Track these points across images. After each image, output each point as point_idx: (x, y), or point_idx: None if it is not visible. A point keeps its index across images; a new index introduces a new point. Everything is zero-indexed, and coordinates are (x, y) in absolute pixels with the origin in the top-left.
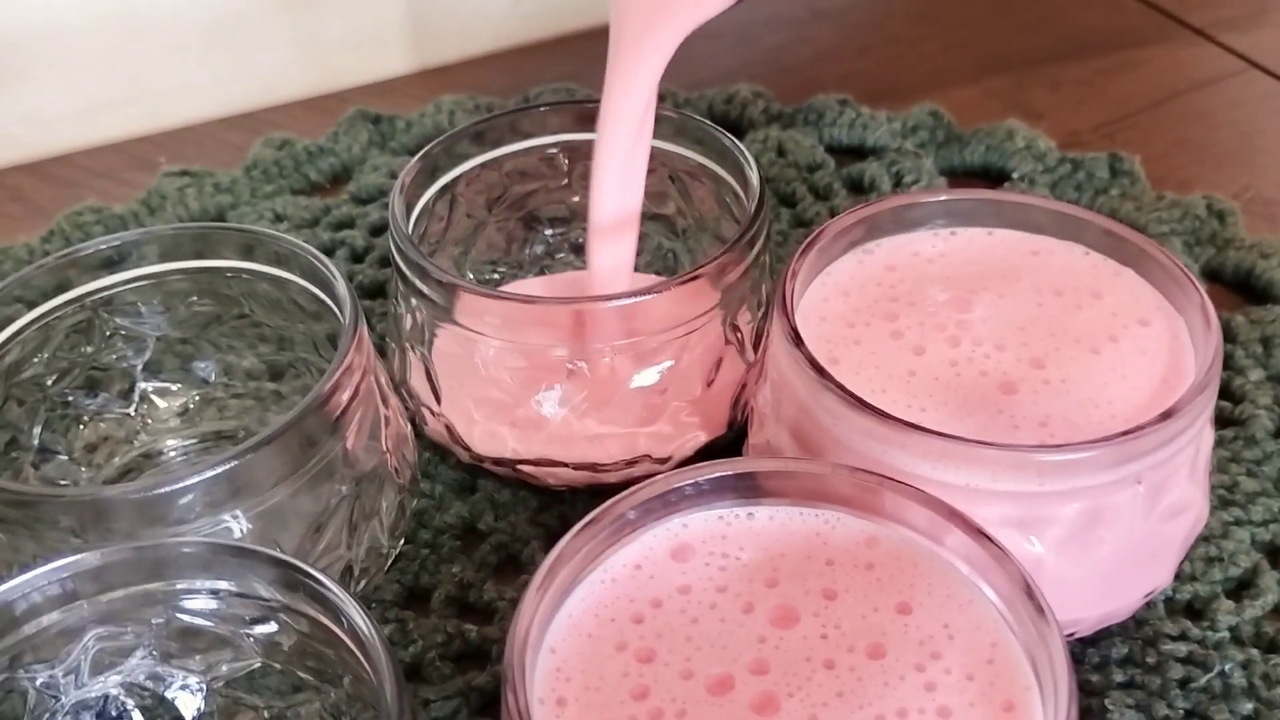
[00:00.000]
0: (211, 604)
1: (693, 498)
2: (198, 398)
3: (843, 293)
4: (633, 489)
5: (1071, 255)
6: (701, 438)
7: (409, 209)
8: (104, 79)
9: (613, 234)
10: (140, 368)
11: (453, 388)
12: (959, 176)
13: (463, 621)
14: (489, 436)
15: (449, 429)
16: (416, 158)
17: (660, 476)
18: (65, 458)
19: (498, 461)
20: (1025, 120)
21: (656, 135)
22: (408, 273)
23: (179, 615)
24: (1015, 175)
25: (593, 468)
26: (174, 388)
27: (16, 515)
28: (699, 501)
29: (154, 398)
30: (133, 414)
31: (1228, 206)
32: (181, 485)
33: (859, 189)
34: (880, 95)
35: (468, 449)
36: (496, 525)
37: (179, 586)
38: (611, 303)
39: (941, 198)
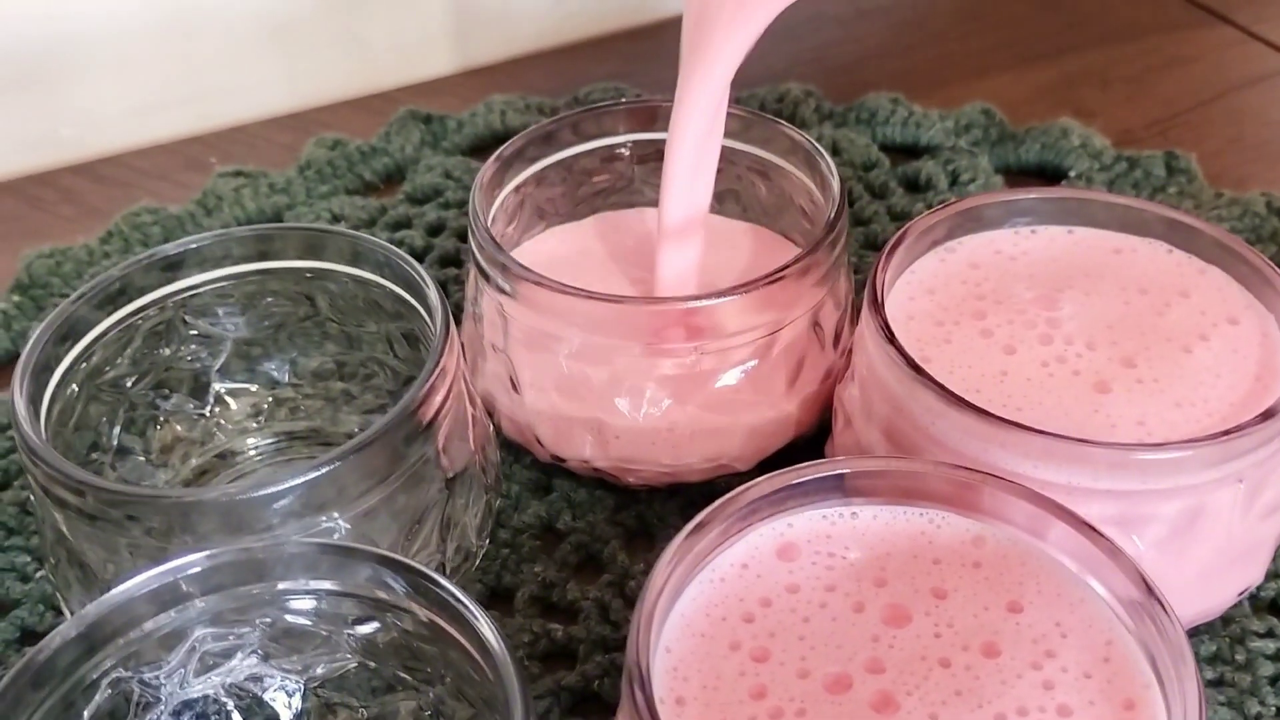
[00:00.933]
0: (315, 604)
1: (797, 498)
2: (270, 398)
3: (928, 291)
4: (739, 490)
5: (1154, 253)
6: (783, 437)
7: (488, 205)
8: (153, 80)
9: (683, 231)
10: (215, 369)
11: (532, 387)
12: (1014, 175)
13: (548, 621)
14: (569, 436)
15: (528, 428)
16: (493, 157)
17: (764, 478)
18: (142, 458)
19: (582, 461)
20: (1077, 118)
21: (725, 133)
22: (490, 270)
23: (284, 615)
24: (1072, 174)
25: (674, 467)
26: (250, 388)
27: (115, 515)
28: (804, 501)
29: (228, 399)
30: (207, 415)
31: None
32: (284, 487)
33: (915, 188)
34: (929, 93)
35: (547, 449)
36: (575, 525)
37: (286, 586)
38: (696, 303)
39: (1023, 196)
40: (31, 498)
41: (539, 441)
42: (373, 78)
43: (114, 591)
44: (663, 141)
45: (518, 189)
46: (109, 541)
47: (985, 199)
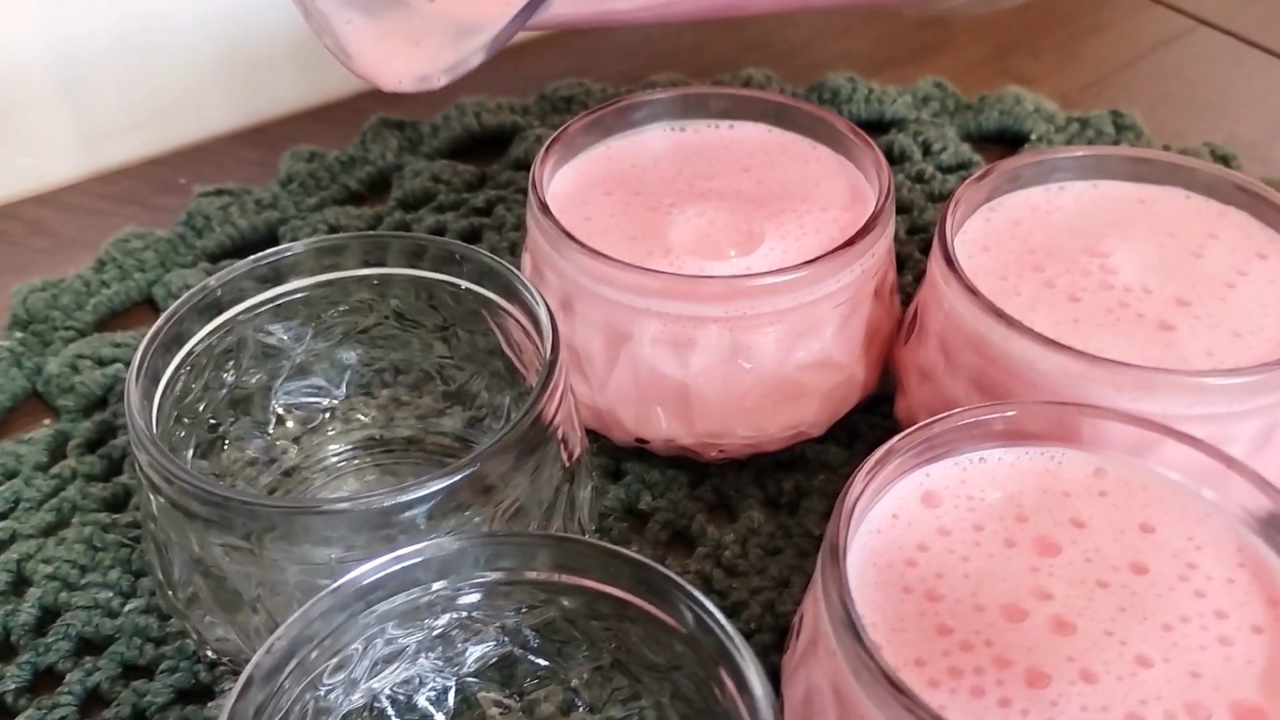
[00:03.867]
0: (484, 597)
1: (934, 449)
2: (326, 412)
3: (982, 249)
4: (884, 449)
5: (1174, 200)
6: (852, 400)
7: (542, 193)
8: (108, 104)
9: None
10: (277, 385)
11: (614, 371)
12: (977, 142)
13: None
14: (652, 417)
15: (608, 413)
16: (544, 146)
17: (903, 435)
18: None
19: (666, 441)
20: (1020, 86)
21: (748, 117)
22: (554, 255)
23: (463, 614)
24: (1033, 137)
25: (756, 438)
26: (303, 402)
27: (254, 527)
28: (940, 452)
29: (285, 415)
30: (270, 432)
31: (1229, 152)
32: (430, 490)
33: (891, 159)
34: (875, 72)
35: (629, 431)
36: (656, 504)
37: (468, 581)
38: (771, 278)
39: (1053, 156)
40: (151, 524)
41: (619, 425)
42: (331, 88)
43: (311, 604)
44: None
45: (564, 176)
46: (251, 558)
47: (1023, 161)
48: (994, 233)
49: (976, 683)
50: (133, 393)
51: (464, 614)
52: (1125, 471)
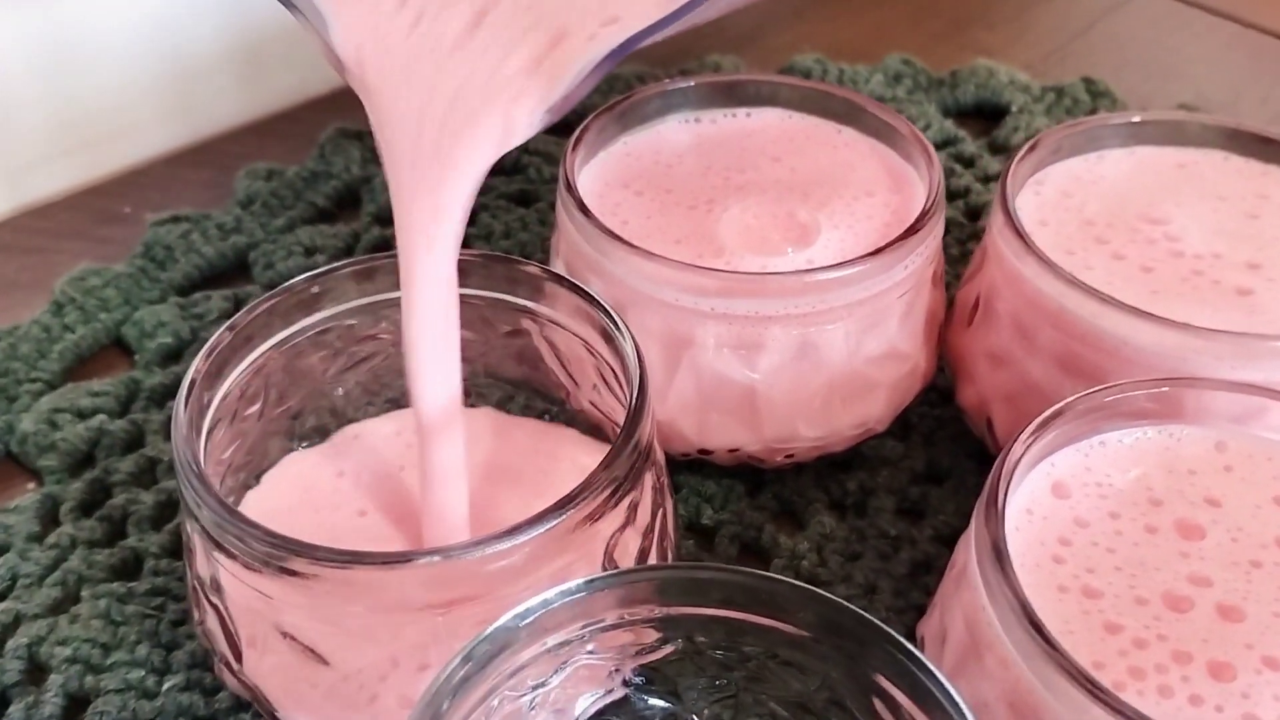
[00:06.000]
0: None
1: (1054, 438)
2: None
3: (1040, 224)
4: (1009, 447)
5: (1214, 162)
6: (913, 391)
7: (579, 194)
8: (31, 129)
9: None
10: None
11: (676, 383)
12: (956, 116)
13: None
14: (717, 426)
15: (669, 425)
16: (570, 145)
17: (1026, 429)
18: None
19: (731, 451)
20: (986, 59)
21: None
22: (601, 260)
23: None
24: (1014, 109)
25: (824, 439)
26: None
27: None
28: (1059, 440)
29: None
30: None
31: (1205, 112)
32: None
33: None
34: (835, 53)
35: (692, 442)
36: (720, 517)
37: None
38: (841, 270)
39: (1090, 125)
40: (207, 592)
41: (682, 436)
42: (273, 98)
43: (498, 624)
44: None
45: (590, 169)
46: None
47: (1063, 132)
48: (1047, 206)
49: (1162, 682)
50: (185, 448)
51: (593, 658)
52: (1245, 444)
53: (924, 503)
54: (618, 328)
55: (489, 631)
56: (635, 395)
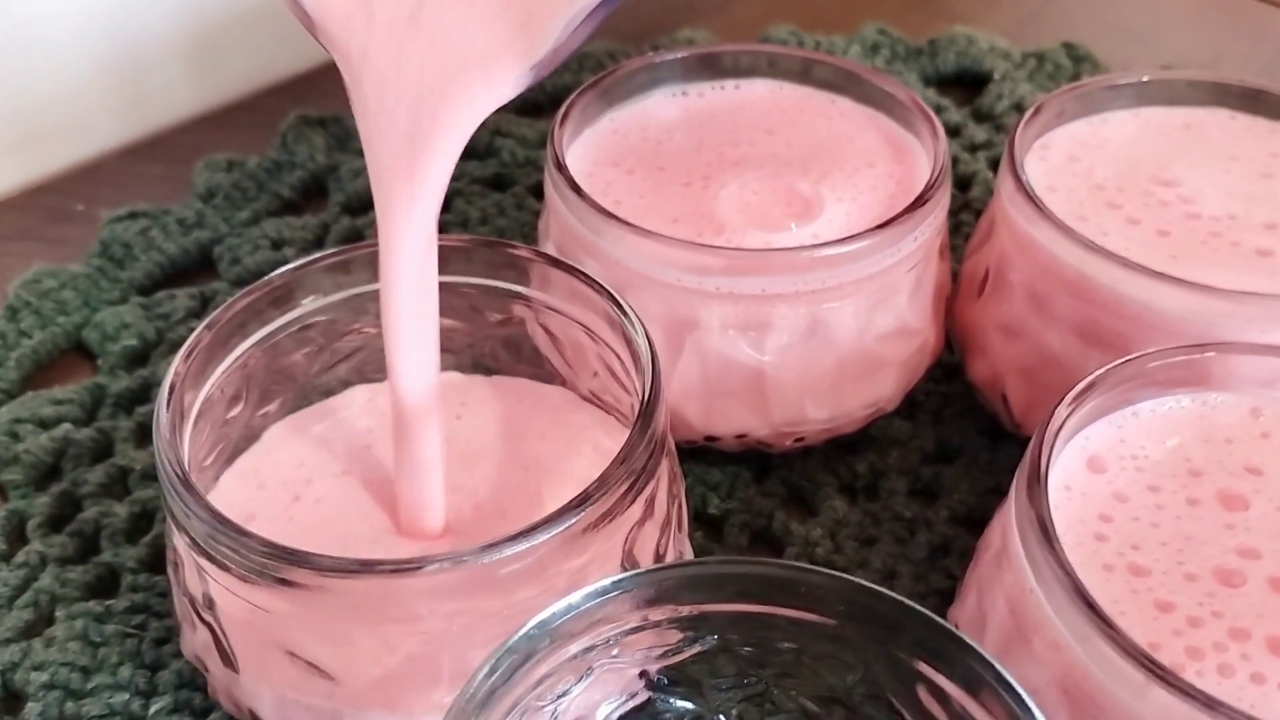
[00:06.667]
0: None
1: (1088, 411)
2: None
3: (1049, 190)
4: (1047, 420)
5: (1220, 121)
6: (923, 367)
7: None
8: None
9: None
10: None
11: (671, 362)
12: (938, 85)
13: None
14: (723, 411)
15: (674, 412)
16: (558, 122)
17: (1063, 401)
18: None
19: (738, 436)
20: (960, 25)
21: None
22: (596, 241)
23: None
24: (996, 76)
25: (834, 421)
26: None
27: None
28: (1092, 413)
29: None
30: None
31: None
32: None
33: None
34: (807, 24)
35: (698, 430)
36: (728, 506)
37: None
38: (851, 244)
39: (1093, 87)
40: (198, 608)
41: (686, 423)
42: (228, 88)
43: (522, 632)
44: None
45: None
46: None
47: (1066, 96)
48: (1054, 172)
49: (1222, 660)
50: (170, 455)
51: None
52: (1279, 409)
53: (937, 483)
54: (623, 311)
55: (513, 640)
56: (650, 381)
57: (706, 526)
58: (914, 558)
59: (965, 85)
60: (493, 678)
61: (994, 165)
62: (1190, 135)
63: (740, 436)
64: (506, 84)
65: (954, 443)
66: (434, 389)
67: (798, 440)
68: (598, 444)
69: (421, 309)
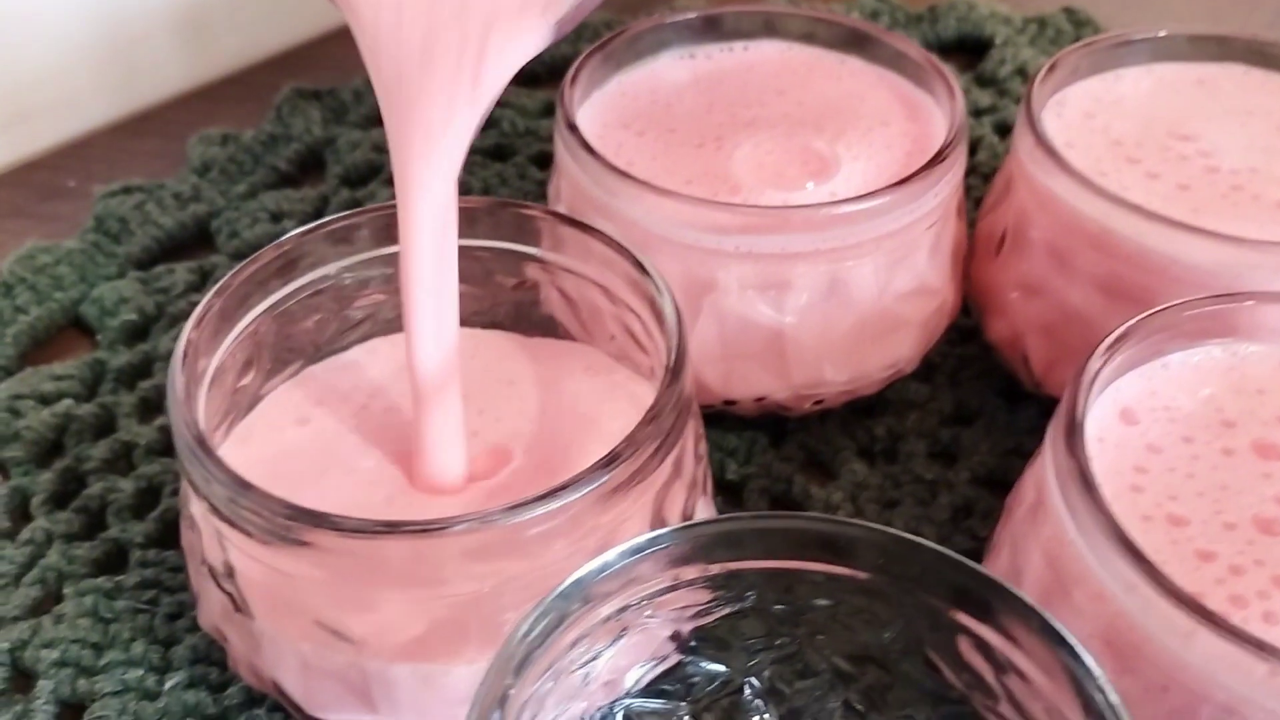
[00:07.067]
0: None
1: (1120, 363)
2: None
3: (1067, 145)
4: (1080, 371)
5: (1234, 76)
6: (941, 327)
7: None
8: None
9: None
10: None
11: (690, 324)
12: (939, 52)
13: None
14: (742, 375)
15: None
16: (568, 82)
17: (1097, 350)
18: None
19: (757, 400)
20: None
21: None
22: (610, 201)
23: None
24: (998, 41)
25: (854, 383)
26: None
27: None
28: (1123, 366)
29: None
30: None
31: None
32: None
33: None
34: None
35: (716, 394)
36: (746, 471)
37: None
38: (870, 201)
39: (1105, 43)
40: (216, 578)
41: (704, 387)
42: (218, 62)
43: (558, 591)
44: None
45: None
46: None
47: (1080, 52)
48: (1071, 128)
49: (1266, 608)
50: (186, 422)
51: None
52: None
53: (956, 445)
54: (644, 271)
55: (549, 600)
56: (676, 339)
57: (726, 492)
58: (937, 519)
59: (966, 51)
60: (529, 639)
61: (999, 130)
62: (1205, 91)
63: (759, 400)
64: (534, 35)
65: (972, 404)
66: (455, 348)
67: (817, 403)
68: (620, 396)
69: (442, 268)
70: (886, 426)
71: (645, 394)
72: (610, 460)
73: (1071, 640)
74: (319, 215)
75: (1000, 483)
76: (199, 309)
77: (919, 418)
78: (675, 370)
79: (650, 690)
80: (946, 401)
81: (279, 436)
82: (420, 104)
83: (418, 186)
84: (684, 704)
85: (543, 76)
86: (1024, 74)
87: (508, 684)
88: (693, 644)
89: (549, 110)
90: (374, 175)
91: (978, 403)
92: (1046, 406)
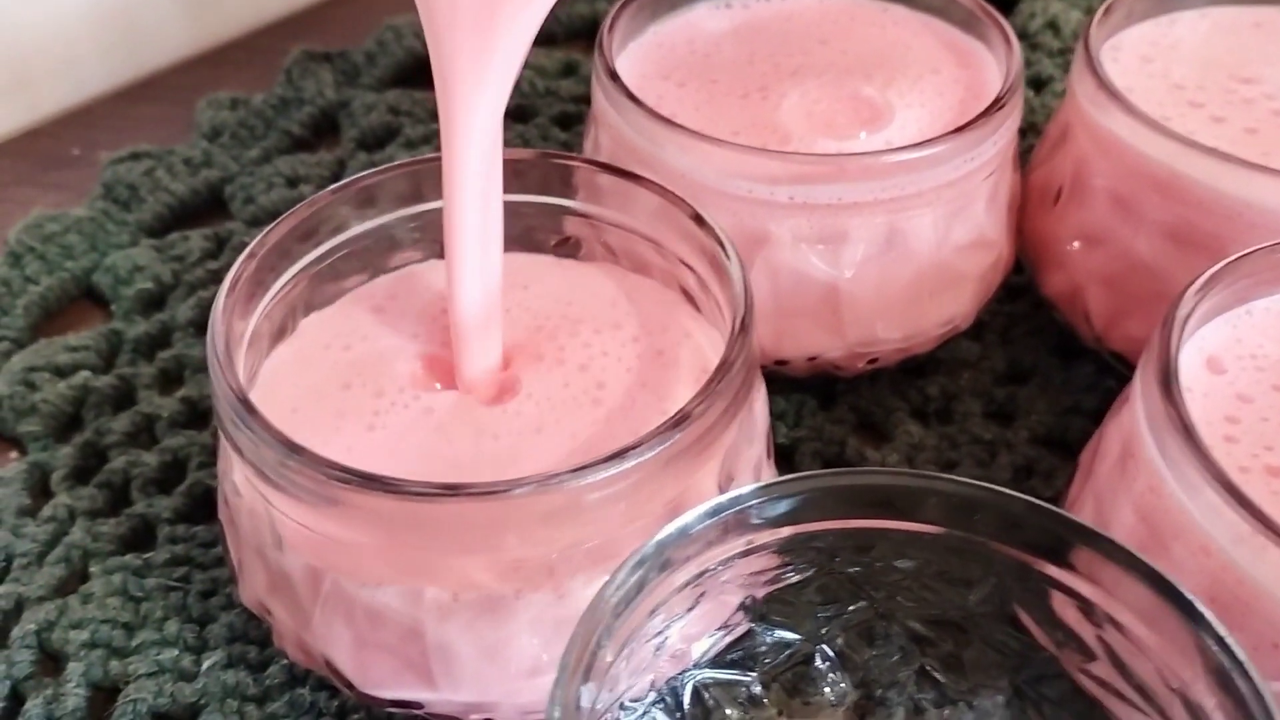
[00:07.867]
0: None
1: (1204, 312)
2: None
3: (1127, 90)
4: (1170, 313)
5: None
6: (996, 281)
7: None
8: None
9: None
10: None
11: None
12: None
13: None
14: (790, 331)
15: None
16: (606, 30)
17: (1187, 292)
18: None
19: (810, 359)
20: None
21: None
22: (656, 153)
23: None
24: None
25: (910, 340)
26: None
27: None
28: (1207, 314)
29: None
30: None
31: None
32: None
33: None
34: None
35: (768, 354)
36: (797, 434)
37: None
38: (929, 148)
39: None
40: (261, 550)
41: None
42: (223, 26)
43: (638, 556)
44: None
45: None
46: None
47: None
48: (1129, 73)
49: None
50: (228, 385)
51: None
52: None
53: (1012, 404)
54: (703, 223)
55: (629, 565)
56: (744, 293)
57: (776, 456)
58: (999, 480)
59: (995, 4)
60: (615, 605)
61: (1034, 84)
62: (1263, 34)
63: (812, 359)
64: None
65: (1026, 362)
66: (497, 293)
67: (870, 362)
68: (674, 315)
69: (487, 214)
70: (939, 386)
71: (693, 353)
72: (679, 421)
73: (1186, 593)
74: (336, 179)
75: (1059, 442)
76: (233, 271)
77: (972, 376)
78: (744, 326)
79: (719, 661)
80: (999, 360)
81: (304, 365)
82: (460, 33)
83: (464, 111)
84: (753, 674)
85: (559, 36)
86: (1055, 27)
87: (596, 654)
88: (764, 611)
89: (569, 70)
90: (391, 138)
91: (1031, 360)
92: (1103, 363)
